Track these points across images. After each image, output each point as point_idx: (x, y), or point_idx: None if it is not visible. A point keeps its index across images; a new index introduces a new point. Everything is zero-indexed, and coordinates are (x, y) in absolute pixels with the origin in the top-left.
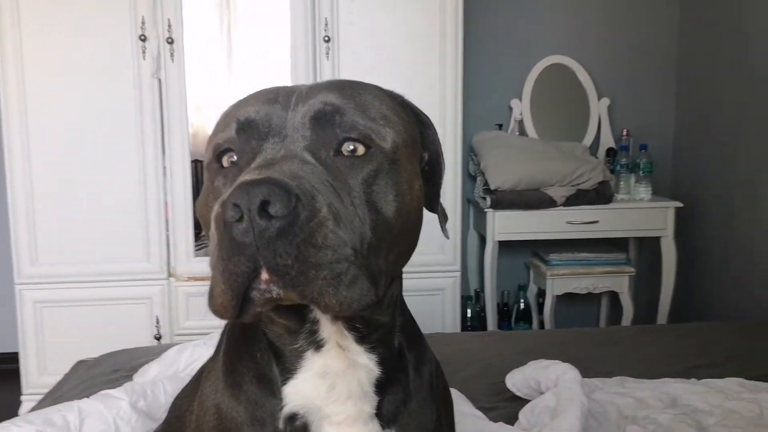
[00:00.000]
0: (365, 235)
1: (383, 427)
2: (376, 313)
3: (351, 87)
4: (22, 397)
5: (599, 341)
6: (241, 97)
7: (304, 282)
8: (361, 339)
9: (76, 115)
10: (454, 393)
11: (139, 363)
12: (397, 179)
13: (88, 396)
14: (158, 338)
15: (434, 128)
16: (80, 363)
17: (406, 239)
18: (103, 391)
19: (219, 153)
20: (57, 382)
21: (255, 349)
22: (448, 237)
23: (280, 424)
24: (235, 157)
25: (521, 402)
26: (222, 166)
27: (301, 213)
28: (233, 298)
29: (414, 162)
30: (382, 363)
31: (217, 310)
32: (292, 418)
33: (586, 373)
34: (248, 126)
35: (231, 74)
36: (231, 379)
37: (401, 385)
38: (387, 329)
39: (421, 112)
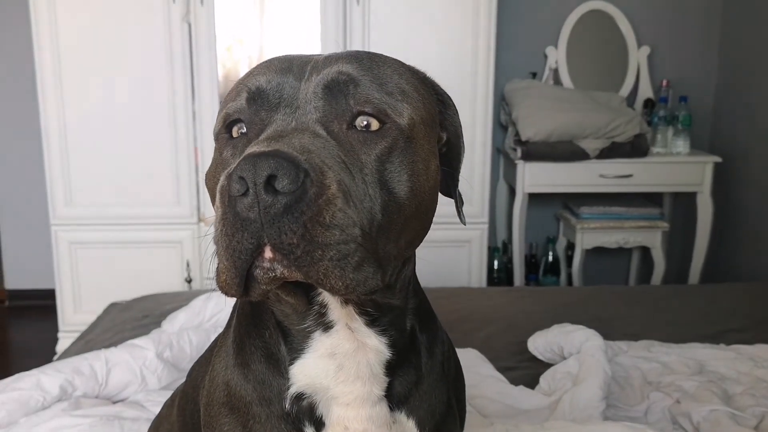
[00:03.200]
0: (375, 215)
1: (392, 408)
2: (388, 296)
3: (369, 59)
4: (59, 334)
5: (628, 301)
6: (255, 65)
7: (309, 262)
8: (372, 322)
9: (107, 59)
10: (473, 354)
11: (167, 309)
12: (413, 158)
13: (117, 341)
14: (189, 281)
15: (455, 108)
16: (113, 305)
17: (419, 222)
18: (130, 341)
19: (229, 123)
20: (90, 324)
21: (263, 328)
22: (464, 223)
23: (287, 404)
24: (245, 128)
25: (544, 363)
26: (231, 136)
27: (309, 189)
28: (236, 276)
29: (432, 141)
30: (393, 345)
31: (222, 287)
32: (299, 397)
33: (612, 334)
34: (258, 96)
35: (263, 12)
36: (240, 357)
37: (413, 366)
38: (399, 312)
39: (443, 91)
